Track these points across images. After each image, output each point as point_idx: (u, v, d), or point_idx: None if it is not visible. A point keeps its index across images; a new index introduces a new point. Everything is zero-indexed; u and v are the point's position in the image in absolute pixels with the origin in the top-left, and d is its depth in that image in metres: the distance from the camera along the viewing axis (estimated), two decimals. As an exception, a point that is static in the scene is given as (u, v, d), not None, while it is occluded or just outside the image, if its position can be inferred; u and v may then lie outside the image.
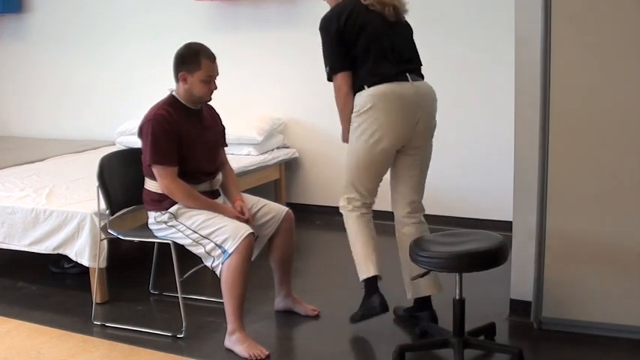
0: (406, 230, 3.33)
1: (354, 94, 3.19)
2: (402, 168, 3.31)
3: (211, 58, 3.21)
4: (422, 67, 3.33)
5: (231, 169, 3.51)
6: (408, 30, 3.35)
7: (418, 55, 3.34)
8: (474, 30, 4.76)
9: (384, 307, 3.19)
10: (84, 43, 6.12)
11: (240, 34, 5.52)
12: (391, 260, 3.51)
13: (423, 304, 3.31)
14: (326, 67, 3.24)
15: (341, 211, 3.35)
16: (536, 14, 3.03)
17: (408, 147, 3.25)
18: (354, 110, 3.19)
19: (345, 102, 3.21)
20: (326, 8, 3.33)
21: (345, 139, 3.28)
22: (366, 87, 3.15)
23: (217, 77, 3.25)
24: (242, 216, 3.21)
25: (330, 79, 3.24)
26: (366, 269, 3.22)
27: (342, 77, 3.19)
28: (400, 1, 3.29)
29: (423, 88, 3.25)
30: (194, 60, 3.17)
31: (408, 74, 3.18)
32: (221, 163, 3.44)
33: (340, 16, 3.21)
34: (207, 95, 3.25)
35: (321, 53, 3.25)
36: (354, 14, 3.20)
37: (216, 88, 3.25)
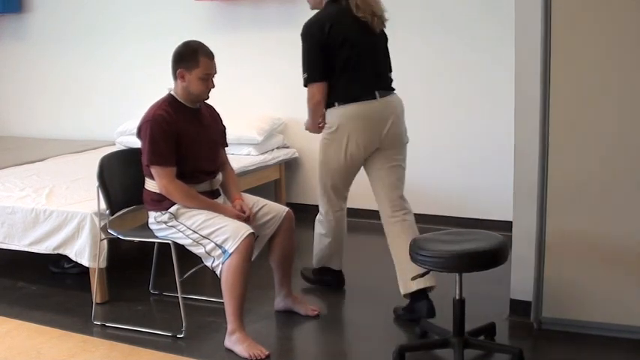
0: (392, 229, 3.46)
1: (326, 105, 3.41)
2: (376, 173, 3.50)
3: (209, 55, 3.21)
4: (392, 81, 3.52)
5: (231, 169, 3.51)
6: (385, 40, 3.54)
7: (391, 65, 3.54)
8: (474, 30, 4.75)
9: (341, 285, 3.79)
10: (84, 43, 6.12)
11: (240, 34, 5.52)
12: (391, 260, 3.51)
13: (419, 295, 3.34)
14: (304, 73, 3.40)
15: (325, 213, 3.63)
16: (536, 14, 3.03)
17: (379, 153, 3.46)
18: (326, 126, 3.45)
19: (315, 109, 3.44)
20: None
21: (308, 129, 3.57)
22: (337, 104, 3.39)
23: (216, 76, 3.25)
24: (242, 214, 3.21)
25: (305, 85, 3.42)
26: (336, 262, 3.72)
27: (317, 87, 3.39)
28: (384, 13, 3.46)
29: (391, 102, 3.46)
30: (192, 58, 3.17)
31: (377, 92, 3.38)
32: (222, 163, 3.44)
33: (324, 24, 3.35)
34: (204, 93, 3.24)
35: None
36: (338, 23, 3.35)
37: (214, 86, 3.25)
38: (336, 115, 3.40)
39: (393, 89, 3.50)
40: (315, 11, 3.50)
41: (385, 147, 3.44)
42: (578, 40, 3.04)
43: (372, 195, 3.58)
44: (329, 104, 3.41)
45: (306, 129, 3.59)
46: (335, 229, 3.65)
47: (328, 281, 3.80)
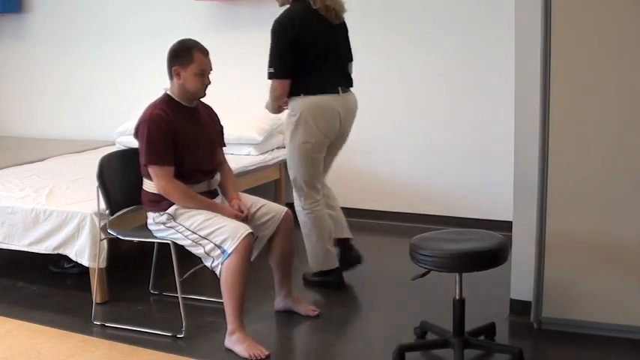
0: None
1: (292, 95, 3.58)
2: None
3: (204, 52, 3.21)
4: (352, 77, 3.76)
5: (229, 168, 3.50)
6: (345, 30, 3.76)
7: (352, 55, 3.76)
8: (473, 30, 4.75)
9: (342, 285, 3.81)
10: (84, 43, 6.12)
11: (240, 34, 5.51)
12: (392, 259, 3.51)
13: (342, 244, 3.81)
14: (270, 67, 3.53)
15: (303, 208, 3.71)
16: (536, 14, 3.03)
17: (330, 145, 3.71)
18: (289, 113, 3.63)
19: (275, 101, 3.64)
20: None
21: (268, 109, 3.77)
22: (302, 95, 3.57)
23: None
24: (240, 214, 3.21)
25: (269, 78, 3.57)
26: (328, 262, 3.77)
27: (280, 83, 3.56)
28: (340, 4, 3.62)
29: (350, 100, 3.72)
30: (187, 54, 3.17)
31: (340, 87, 3.63)
32: (219, 163, 3.44)
33: (295, 21, 3.50)
34: (201, 90, 3.24)
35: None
36: (307, 20, 3.50)
37: (210, 82, 3.25)
38: (300, 103, 3.57)
39: (352, 86, 3.74)
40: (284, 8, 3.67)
41: (336, 140, 3.69)
42: (578, 40, 3.04)
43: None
44: (295, 93, 3.58)
45: (265, 107, 3.80)
46: (316, 225, 3.71)
47: (329, 282, 3.81)
